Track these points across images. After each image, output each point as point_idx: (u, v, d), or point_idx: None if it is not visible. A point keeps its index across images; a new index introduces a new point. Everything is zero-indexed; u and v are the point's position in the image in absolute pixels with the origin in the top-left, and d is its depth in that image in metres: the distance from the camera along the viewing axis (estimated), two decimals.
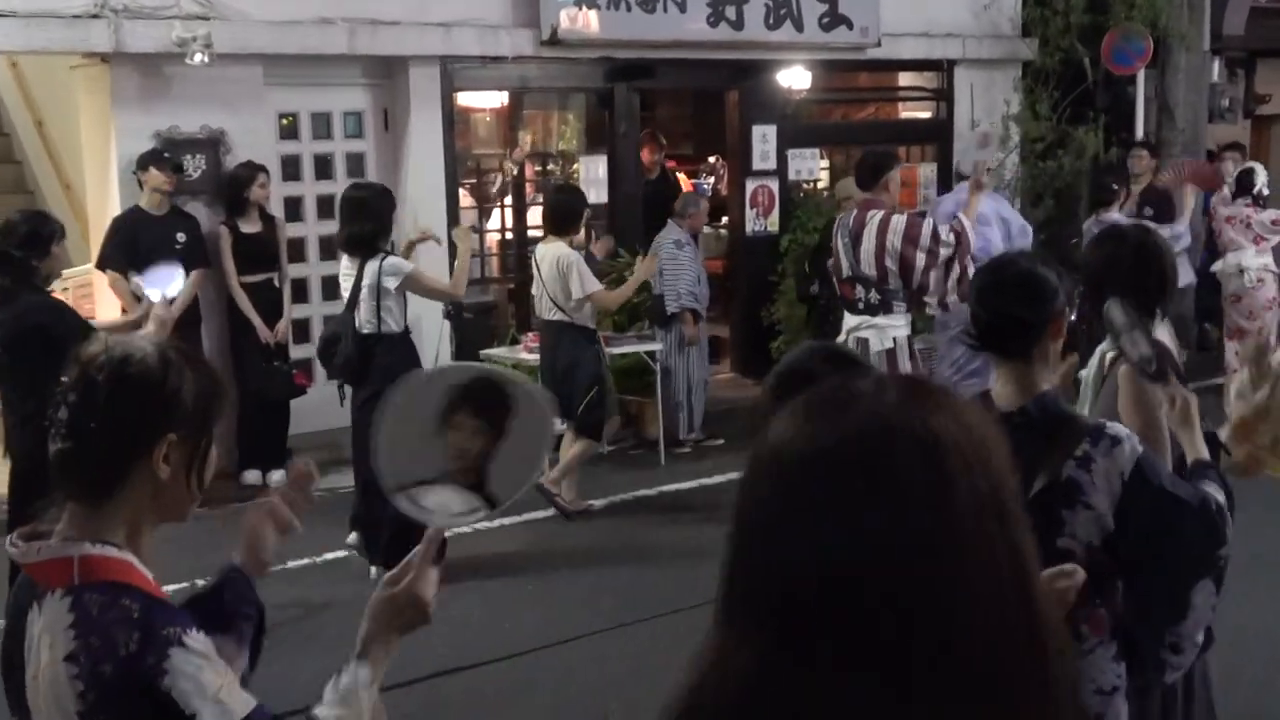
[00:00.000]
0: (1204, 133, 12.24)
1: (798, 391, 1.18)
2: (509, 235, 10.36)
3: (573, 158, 10.44)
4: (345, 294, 6.53)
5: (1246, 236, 10.33)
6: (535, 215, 10.42)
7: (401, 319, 6.51)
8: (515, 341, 8.96)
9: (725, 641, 1.11)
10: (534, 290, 7.60)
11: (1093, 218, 9.31)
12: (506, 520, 7.59)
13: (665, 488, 8.25)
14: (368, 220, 6.41)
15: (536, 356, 8.26)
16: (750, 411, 2.42)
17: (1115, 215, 9.13)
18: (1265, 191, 10.39)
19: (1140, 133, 11.46)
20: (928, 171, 11.48)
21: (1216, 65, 12.51)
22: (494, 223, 10.48)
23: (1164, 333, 3.54)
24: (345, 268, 6.56)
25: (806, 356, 2.39)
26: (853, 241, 6.95)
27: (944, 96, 11.69)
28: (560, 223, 7.38)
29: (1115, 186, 9.42)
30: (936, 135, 11.65)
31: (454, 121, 9.47)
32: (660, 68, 9.97)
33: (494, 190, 10.50)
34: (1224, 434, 3.27)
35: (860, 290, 6.96)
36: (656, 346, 8.74)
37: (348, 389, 6.69)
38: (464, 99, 10.05)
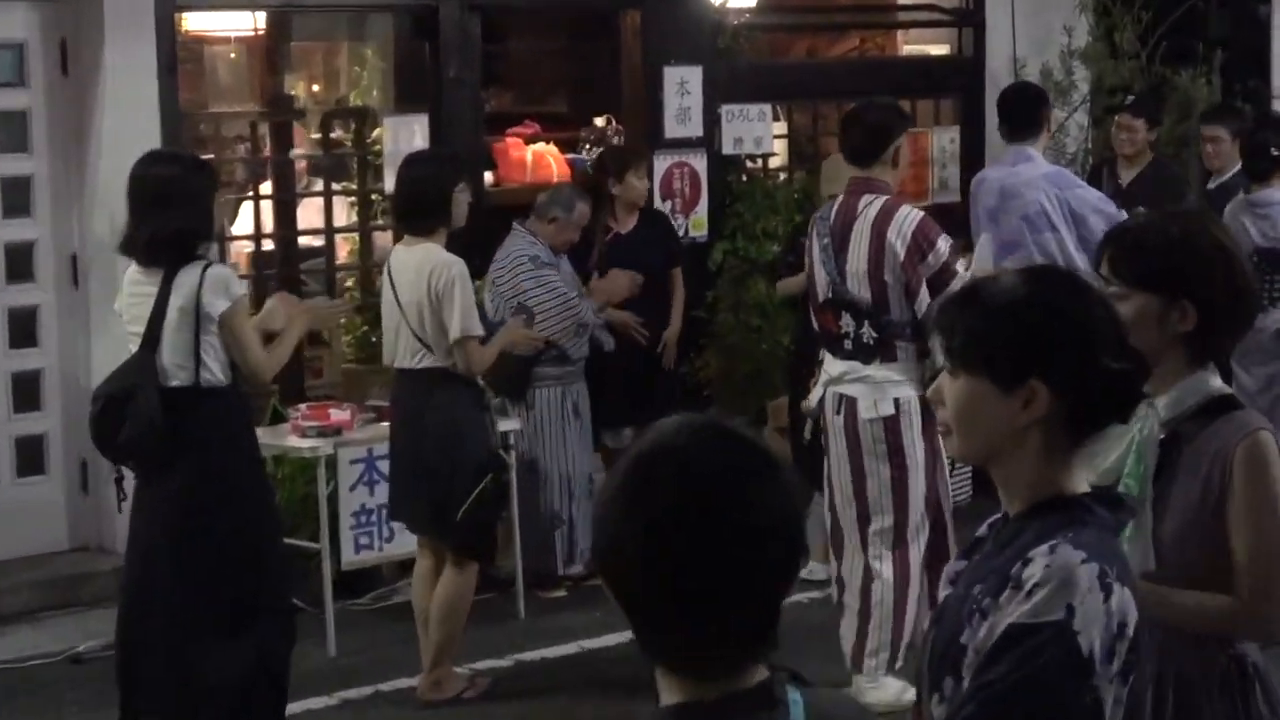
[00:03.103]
0: None
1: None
2: (268, 245, 10.33)
3: (374, 118, 10.44)
4: (135, 327, 6.54)
5: None
6: (311, 211, 10.41)
7: (229, 363, 6.56)
8: (279, 418, 8.91)
9: None
10: (386, 326, 7.55)
11: (1240, 199, 9.46)
12: None
13: (525, 655, 8.25)
14: (178, 208, 6.46)
15: (311, 443, 8.25)
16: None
17: (1268, 194, 9.29)
18: None
19: (1279, 76, 11.72)
20: (945, 140, 11.65)
21: None
22: (244, 224, 10.45)
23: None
24: (135, 282, 6.59)
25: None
26: (836, 245, 7.05)
27: (970, 20, 11.90)
28: (422, 213, 7.37)
29: (1275, 151, 9.55)
30: (959, 83, 11.84)
31: (177, 60, 9.41)
32: None
33: (243, 172, 10.43)
34: None
35: (848, 321, 7.06)
36: (511, 426, 8.72)
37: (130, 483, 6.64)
38: (194, 23, 9.98)
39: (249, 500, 6.58)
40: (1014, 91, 9.68)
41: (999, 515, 3.01)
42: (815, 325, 7.30)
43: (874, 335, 6.97)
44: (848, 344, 7.04)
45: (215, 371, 6.49)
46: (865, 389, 7.00)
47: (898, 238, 6.92)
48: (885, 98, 7.52)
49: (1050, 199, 9.06)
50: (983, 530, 3.05)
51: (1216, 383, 3.63)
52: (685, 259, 10.10)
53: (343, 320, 9.37)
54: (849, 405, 7.02)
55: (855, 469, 7.07)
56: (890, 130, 7.12)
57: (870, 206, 7.00)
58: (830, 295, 7.09)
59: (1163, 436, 3.60)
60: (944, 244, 7.01)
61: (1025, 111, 9.37)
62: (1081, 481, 2.91)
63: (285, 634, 6.71)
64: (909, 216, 7.01)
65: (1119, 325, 2.93)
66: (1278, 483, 3.50)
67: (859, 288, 6.99)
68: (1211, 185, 10.39)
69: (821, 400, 7.12)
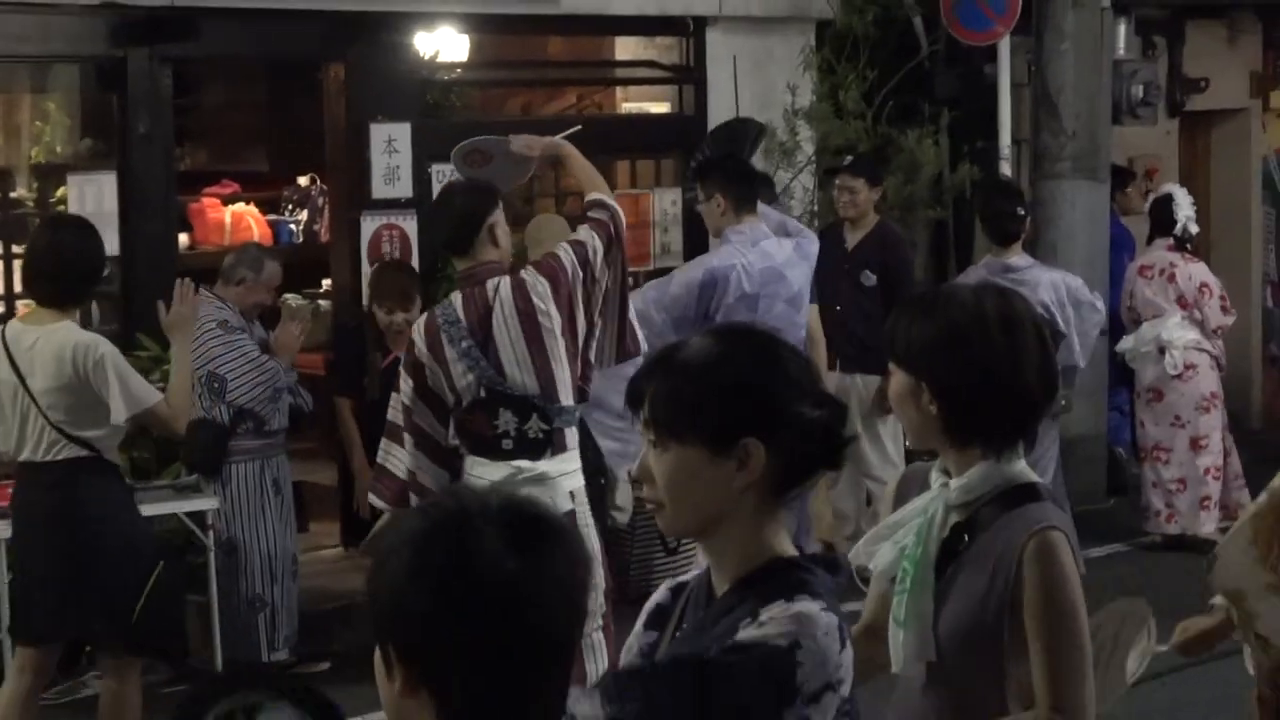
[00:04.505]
0: (1106, 139, 13.05)
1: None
2: None
3: (57, 177, 10.38)
4: None
5: (1167, 296, 11.14)
6: None
7: None
8: None
9: None
10: (4, 414, 7.28)
11: (996, 263, 9.73)
12: None
13: None
14: None
15: None
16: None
17: (1021, 259, 9.65)
18: (1192, 229, 11.23)
19: (1006, 137, 12.14)
20: (666, 201, 11.84)
21: (1123, 31, 13.37)
22: None
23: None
24: None
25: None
26: (480, 341, 6.98)
27: (691, 79, 12.11)
28: (64, 286, 7.18)
29: (1021, 212, 9.94)
30: (680, 140, 12.01)
31: None
32: (208, 23, 10.04)
33: None
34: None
35: (508, 419, 6.97)
36: (208, 505, 8.73)
37: None
38: None
39: None
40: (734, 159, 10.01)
41: (679, 581, 3.12)
42: (454, 433, 7.06)
43: (543, 428, 6.94)
44: (507, 443, 6.93)
45: None
46: (540, 490, 6.72)
47: (541, 296, 6.95)
48: (470, 180, 7.49)
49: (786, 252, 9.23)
50: (663, 597, 3.13)
51: (1017, 469, 3.68)
52: None
53: None
54: None
55: None
56: (478, 213, 7.07)
57: (500, 288, 6.97)
58: (483, 396, 6.96)
59: (959, 520, 3.67)
60: (567, 255, 7.07)
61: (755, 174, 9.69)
62: (789, 543, 3.00)
63: None
64: (531, 274, 7.01)
65: (814, 374, 3.05)
66: (1068, 584, 3.56)
67: (523, 378, 6.94)
68: (850, 244, 10.66)
69: None
